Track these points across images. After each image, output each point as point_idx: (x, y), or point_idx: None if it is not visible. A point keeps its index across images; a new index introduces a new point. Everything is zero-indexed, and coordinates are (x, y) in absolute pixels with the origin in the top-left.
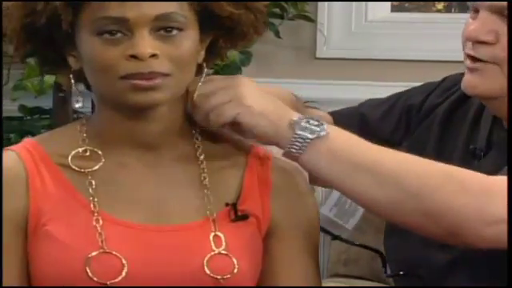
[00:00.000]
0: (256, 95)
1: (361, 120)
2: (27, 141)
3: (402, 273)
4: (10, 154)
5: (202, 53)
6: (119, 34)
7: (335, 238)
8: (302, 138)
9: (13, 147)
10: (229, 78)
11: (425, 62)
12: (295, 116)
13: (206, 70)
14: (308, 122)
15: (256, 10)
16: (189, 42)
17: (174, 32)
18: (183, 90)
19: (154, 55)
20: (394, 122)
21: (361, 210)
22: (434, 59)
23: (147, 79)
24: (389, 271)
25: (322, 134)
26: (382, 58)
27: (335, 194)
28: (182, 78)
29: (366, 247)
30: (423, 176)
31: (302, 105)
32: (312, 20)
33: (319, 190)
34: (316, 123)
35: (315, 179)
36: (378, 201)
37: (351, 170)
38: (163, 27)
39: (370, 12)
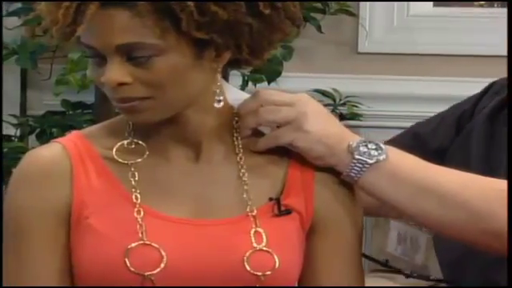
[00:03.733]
0: (318, 117)
1: (414, 138)
2: (74, 133)
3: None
4: (55, 146)
5: (220, 65)
6: (97, 59)
7: (409, 276)
8: (360, 163)
9: (59, 139)
10: (294, 95)
11: (467, 56)
12: (354, 140)
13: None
14: (366, 145)
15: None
16: (167, 65)
17: (145, 58)
18: (181, 106)
19: (123, 83)
20: (448, 131)
21: (423, 242)
22: (475, 54)
23: (124, 102)
24: None
25: (382, 157)
26: (424, 53)
27: (393, 233)
28: (170, 99)
29: (441, 281)
30: (486, 196)
31: None
32: (354, 14)
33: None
34: (374, 147)
35: (374, 211)
36: (443, 222)
37: (414, 193)
38: (132, 56)
39: (412, 6)
